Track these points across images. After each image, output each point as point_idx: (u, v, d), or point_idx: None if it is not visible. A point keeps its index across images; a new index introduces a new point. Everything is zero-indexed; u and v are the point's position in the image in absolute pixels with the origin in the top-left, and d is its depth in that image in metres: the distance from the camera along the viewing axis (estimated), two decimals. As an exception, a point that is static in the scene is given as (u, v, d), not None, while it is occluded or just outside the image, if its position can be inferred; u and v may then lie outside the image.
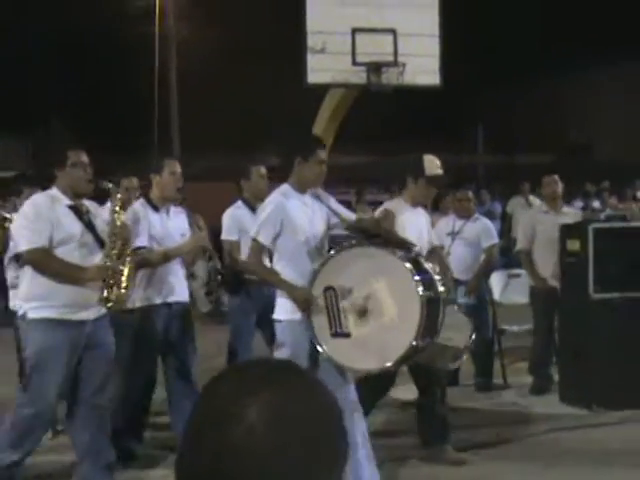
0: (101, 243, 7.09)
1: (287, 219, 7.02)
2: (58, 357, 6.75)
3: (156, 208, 7.92)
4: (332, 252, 7.24)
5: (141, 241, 7.75)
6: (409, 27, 13.83)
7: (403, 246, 7.48)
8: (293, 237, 7.07)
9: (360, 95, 14.76)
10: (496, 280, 11.11)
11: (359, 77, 13.69)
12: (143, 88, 32.87)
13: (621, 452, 8.13)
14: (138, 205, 8.05)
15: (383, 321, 6.97)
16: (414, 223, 8.06)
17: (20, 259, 7.11)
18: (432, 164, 8.06)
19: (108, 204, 7.66)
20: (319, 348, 6.97)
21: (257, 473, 1.63)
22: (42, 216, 6.84)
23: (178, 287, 8.16)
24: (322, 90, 14.74)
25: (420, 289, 6.90)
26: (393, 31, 13.64)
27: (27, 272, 6.92)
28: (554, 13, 41.80)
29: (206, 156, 33.16)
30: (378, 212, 8.22)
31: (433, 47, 14.19)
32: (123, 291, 7.17)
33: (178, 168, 8.16)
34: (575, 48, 39.01)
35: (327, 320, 6.95)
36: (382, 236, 7.42)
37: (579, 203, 18.91)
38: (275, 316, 7.20)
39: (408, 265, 7.13)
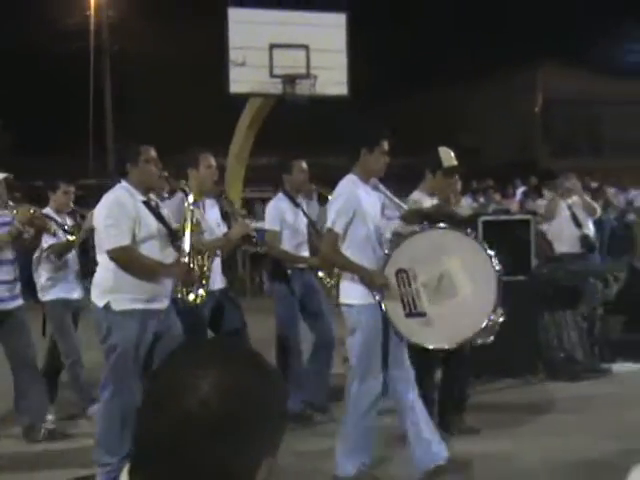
0: (173, 236, 6.90)
1: (359, 208, 6.76)
2: (142, 343, 6.63)
3: (195, 201, 7.46)
4: (402, 237, 7.12)
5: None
6: (320, 43, 14.04)
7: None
8: (363, 225, 6.79)
9: (277, 104, 14.91)
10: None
11: (276, 88, 13.87)
12: (81, 97, 32.79)
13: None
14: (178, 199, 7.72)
15: (458, 299, 6.83)
16: None
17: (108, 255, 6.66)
18: (448, 156, 7.91)
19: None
20: (394, 328, 6.76)
21: (210, 439, 1.67)
22: (126, 214, 6.63)
23: (218, 275, 7.94)
24: (243, 99, 14.87)
25: (496, 265, 6.87)
26: (306, 47, 13.84)
27: (109, 266, 6.64)
28: (447, 28, 42.31)
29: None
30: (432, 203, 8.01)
31: (341, 61, 14.41)
32: (204, 286, 7.16)
33: (213, 162, 7.91)
34: (466, 58, 39.48)
35: (401, 301, 6.79)
36: (444, 221, 7.29)
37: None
38: (346, 301, 6.91)
39: (482, 243, 7.11)
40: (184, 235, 6.86)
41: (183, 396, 1.67)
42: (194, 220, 7.04)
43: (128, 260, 6.56)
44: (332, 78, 14.23)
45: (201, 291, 7.08)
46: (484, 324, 6.73)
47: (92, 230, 7.61)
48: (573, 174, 12.70)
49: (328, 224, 6.78)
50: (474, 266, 6.89)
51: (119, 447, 6.55)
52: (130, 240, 6.52)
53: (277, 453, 1.76)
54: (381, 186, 7.11)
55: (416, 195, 7.97)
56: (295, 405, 8.05)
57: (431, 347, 6.94)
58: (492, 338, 7.17)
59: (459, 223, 7.70)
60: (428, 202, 7.70)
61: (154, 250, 6.66)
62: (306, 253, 8.59)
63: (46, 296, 8.60)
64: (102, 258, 6.67)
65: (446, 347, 7.02)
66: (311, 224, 8.86)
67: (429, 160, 7.98)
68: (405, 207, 7.43)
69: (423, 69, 41.02)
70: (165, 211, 7.04)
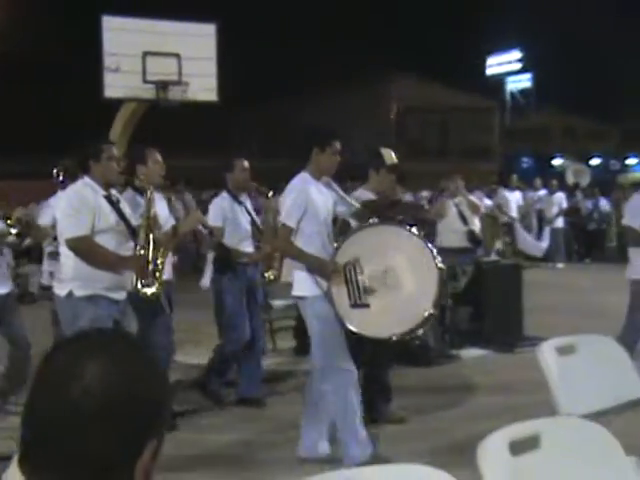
0: (133, 231, 6.83)
1: (310, 204, 6.73)
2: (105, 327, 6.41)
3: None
4: (351, 230, 7.15)
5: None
6: (191, 52, 14.05)
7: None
8: (314, 220, 6.76)
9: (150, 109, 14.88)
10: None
11: (149, 93, 13.84)
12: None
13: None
14: (130, 193, 7.62)
15: (401, 292, 6.80)
16: None
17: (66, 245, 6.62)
18: (389, 155, 7.90)
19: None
20: (339, 317, 6.68)
21: (93, 426, 1.65)
22: (87, 205, 6.56)
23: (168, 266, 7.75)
24: (117, 103, 14.81)
25: (438, 262, 6.82)
26: (177, 55, 13.86)
27: (69, 256, 6.56)
28: (316, 40, 42.69)
29: (16, 159, 32.43)
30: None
31: (211, 69, 14.48)
32: (159, 279, 6.93)
33: (160, 157, 7.80)
34: (331, 69, 39.89)
35: (347, 292, 6.72)
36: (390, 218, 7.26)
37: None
38: (299, 293, 6.85)
39: (424, 240, 7.06)
40: (141, 229, 6.79)
41: (68, 384, 1.67)
42: (152, 214, 6.96)
43: (86, 250, 6.50)
44: (202, 85, 14.26)
45: (156, 285, 6.89)
46: (425, 317, 6.73)
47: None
48: (457, 175, 12.97)
49: (281, 219, 6.78)
50: (418, 262, 6.90)
51: None
52: (89, 231, 6.47)
53: (162, 437, 1.76)
54: (333, 184, 7.13)
55: (359, 193, 7.96)
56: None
57: (371, 337, 6.91)
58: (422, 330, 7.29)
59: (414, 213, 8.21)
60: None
61: (110, 243, 6.61)
62: (250, 249, 8.55)
63: None
64: (63, 249, 6.61)
65: (386, 337, 6.91)
66: (253, 221, 8.78)
67: (371, 160, 7.97)
68: (356, 205, 7.37)
69: (293, 77, 41.30)
70: (127, 207, 6.97)
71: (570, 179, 24.93)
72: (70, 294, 6.52)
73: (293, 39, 42.52)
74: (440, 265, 6.83)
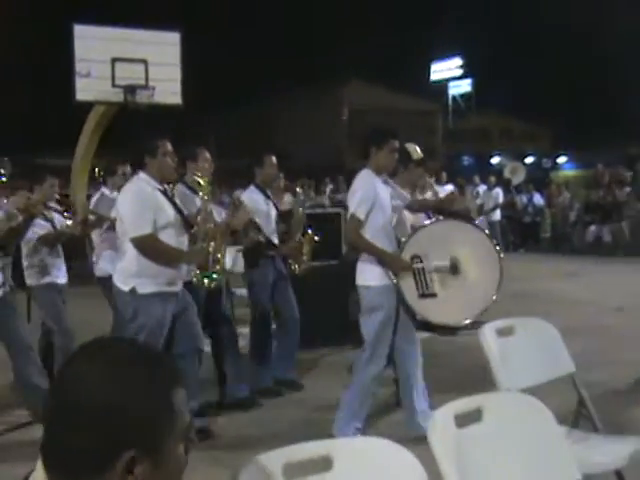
0: (188, 224, 6.67)
1: (377, 198, 6.63)
2: (165, 322, 6.42)
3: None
4: (419, 226, 7.01)
5: None
6: (157, 58, 14.08)
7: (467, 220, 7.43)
8: (380, 214, 6.65)
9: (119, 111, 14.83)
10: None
11: (118, 97, 13.83)
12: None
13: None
14: (183, 189, 7.42)
15: (467, 281, 6.81)
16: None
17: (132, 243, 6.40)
18: (414, 150, 7.70)
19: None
20: (409, 307, 6.63)
21: (61, 425, 1.64)
22: (148, 203, 6.35)
23: None
24: (88, 106, 14.75)
25: (499, 251, 6.95)
26: (145, 61, 13.88)
27: (133, 253, 6.35)
28: (272, 48, 42.71)
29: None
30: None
31: (176, 74, 14.48)
32: (219, 270, 6.82)
33: (209, 155, 7.67)
34: (285, 75, 39.91)
35: (414, 283, 6.66)
36: (447, 213, 7.19)
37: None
38: (365, 283, 6.70)
39: (487, 234, 7.20)
40: (199, 223, 6.65)
41: (68, 385, 1.66)
42: (208, 209, 6.78)
43: (150, 247, 6.34)
44: (168, 89, 14.28)
45: (215, 275, 6.78)
46: (491, 302, 6.80)
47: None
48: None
49: (351, 212, 6.63)
50: (481, 252, 6.93)
51: None
52: (152, 229, 6.29)
53: (149, 452, 1.67)
54: (389, 179, 7.06)
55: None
56: (266, 381, 8.14)
57: (440, 324, 6.85)
58: None
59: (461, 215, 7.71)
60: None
61: (171, 237, 6.45)
62: (276, 241, 8.37)
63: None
64: (126, 246, 6.42)
65: (452, 324, 6.93)
66: (279, 215, 8.63)
67: (400, 157, 7.36)
68: (409, 197, 7.37)
69: (251, 83, 41.27)
70: (179, 201, 6.81)
71: (507, 176, 25.11)
72: (133, 290, 6.36)
73: (252, 48, 42.53)
74: (501, 255, 6.94)
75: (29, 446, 6.19)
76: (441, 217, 7.22)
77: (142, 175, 6.50)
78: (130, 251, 6.37)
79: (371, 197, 6.57)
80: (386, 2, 47.22)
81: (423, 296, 6.67)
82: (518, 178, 25.23)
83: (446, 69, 49.33)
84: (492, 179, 23.19)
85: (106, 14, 15.68)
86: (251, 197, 8.27)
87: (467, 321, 6.76)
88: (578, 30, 39.68)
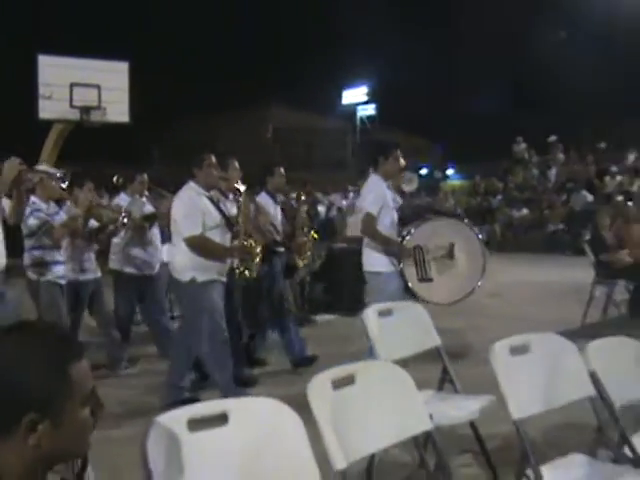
0: (230, 224, 6.75)
1: (385, 199, 6.89)
2: (220, 306, 6.53)
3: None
4: (418, 221, 7.37)
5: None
6: (108, 83, 14.00)
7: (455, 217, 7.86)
8: (387, 211, 6.93)
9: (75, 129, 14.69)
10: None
11: (74, 116, 13.73)
12: None
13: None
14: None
15: (457, 269, 7.24)
16: None
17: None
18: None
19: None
20: (410, 289, 7.01)
21: None
22: (198, 208, 6.45)
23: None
24: (49, 124, 14.60)
25: (483, 245, 7.47)
26: (98, 86, 13.80)
27: (187, 250, 6.43)
28: (206, 73, 42.55)
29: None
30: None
31: (124, 97, 14.40)
32: (257, 263, 7.03)
33: (237, 165, 7.76)
34: (218, 96, 39.74)
35: (415, 270, 7.05)
36: (435, 211, 7.66)
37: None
38: (374, 269, 6.93)
39: (473, 228, 7.64)
40: (238, 223, 6.77)
41: None
42: (246, 212, 7.02)
43: (200, 245, 6.41)
44: (117, 109, 14.20)
45: (254, 268, 6.99)
46: (475, 287, 7.32)
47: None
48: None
49: (367, 210, 6.85)
50: (469, 245, 7.37)
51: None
52: (201, 230, 6.38)
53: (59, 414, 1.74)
54: (390, 185, 7.20)
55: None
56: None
57: (436, 302, 7.16)
58: None
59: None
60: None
61: (217, 235, 6.53)
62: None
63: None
64: (180, 244, 6.46)
65: (446, 303, 7.30)
66: (285, 218, 8.69)
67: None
68: (400, 201, 7.65)
69: (190, 104, 40.99)
70: (222, 205, 6.90)
71: (404, 185, 25.31)
72: (193, 280, 6.42)
73: (190, 74, 42.28)
74: (485, 250, 7.49)
75: None
76: (432, 215, 7.77)
77: (191, 184, 6.61)
78: (185, 249, 6.45)
79: (381, 198, 6.87)
80: (304, 40, 47.29)
81: (422, 280, 7.08)
82: (412, 187, 25.43)
83: (355, 96, 49.69)
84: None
85: (66, 45, 15.43)
86: (263, 202, 8.35)
87: (455, 301, 7.33)
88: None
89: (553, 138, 28.61)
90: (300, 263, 8.84)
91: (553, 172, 27.50)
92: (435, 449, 3.44)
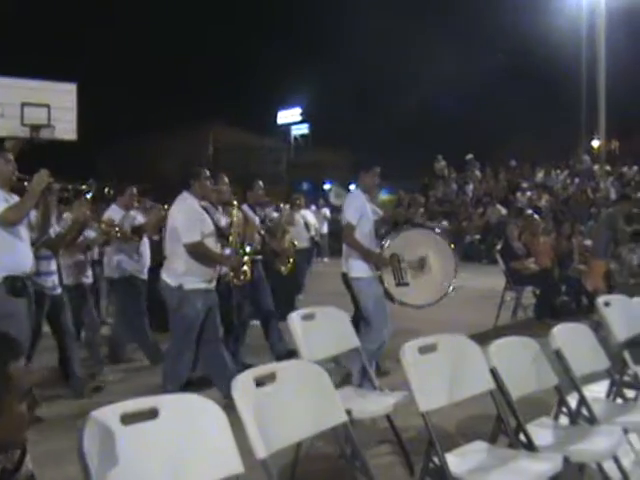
0: (223, 235, 6.75)
1: (364, 210, 6.97)
2: (201, 314, 6.44)
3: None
4: (393, 232, 7.42)
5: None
6: (57, 103, 13.87)
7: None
8: (366, 222, 7.00)
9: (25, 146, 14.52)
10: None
11: (25, 133, 13.58)
12: None
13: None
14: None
15: (431, 274, 7.31)
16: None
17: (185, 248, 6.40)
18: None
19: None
20: (387, 293, 7.10)
21: None
22: (196, 216, 6.43)
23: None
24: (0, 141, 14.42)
25: (454, 253, 7.60)
26: (47, 105, 13.67)
27: (182, 256, 6.36)
28: (151, 94, 42.30)
29: None
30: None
31: (72, 116, 14.28)
32: (247, 272, 7.04)
33: (227, 180, 7.69)
34: (163, 116, 39.56)
35: (393, 275, 7.11)
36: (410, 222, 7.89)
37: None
38: (357, 275, 7.03)
39: (444, 237, 7.78)
40: (232, 234, 6.83)
41: None
42: (238, 224, 7.00)
43: (199, 251, 6.35)
44: (65, 128, 14.08)
45: (245, 277, 7.02)
46: (447, 291, 7.41)
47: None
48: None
49: (347, 220, 6.93)
50: (441, 253, 7.43)
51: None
52: (200, 237, 6.34)
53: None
54: (369, 197, 7.27)
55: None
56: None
57: (411, 305, 7.34)
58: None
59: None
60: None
61: (211, 243, 6.49)
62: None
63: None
64: (178, 250, 6.39)
65: (422, 305, 7.38)
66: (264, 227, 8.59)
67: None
68: (381, 213, 7.65)
69: (136, 124, 40.76)
70: (215, 215, 6.92)
71: (332, 199, 25.52)
72: (180, 286, 6.37)
73: (136, 95, 42.01)
74: (455, 253, 7.65)
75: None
76: (407, 225, 7.83)
77: (186, 194, 6.59)
78: (180, 254, 6.40)
79: (359, 211, 6.95)
80: (242, 62, 47.42)
81: (399, 285, 7.17)
82: (340, 201, 25.67)
83: (290, 116, 50.01)
84: (321, 201, 23.62)
85: (18, 67, 15.28)
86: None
87: (426, 304, 7.40)
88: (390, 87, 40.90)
89: (470, 156, 29.12)
90: (283, 269, 8.87)
91: (470, 187, 27.97)
92: (349, 440, 3.52)
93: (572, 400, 4.43)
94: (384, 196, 40.40)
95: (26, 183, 5.73)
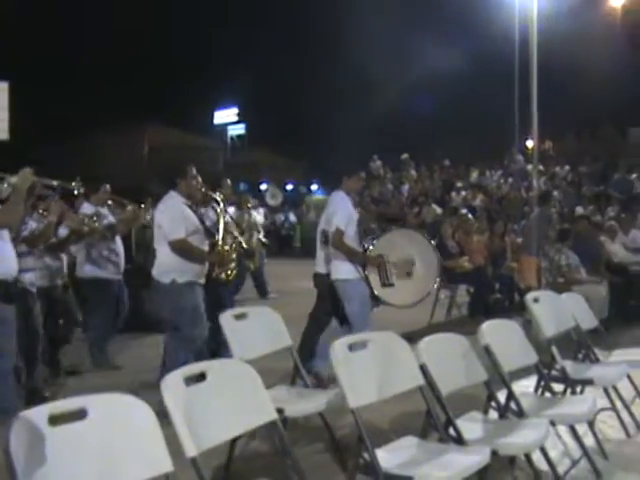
0: (209, 233, 6.71)
1: (351, 215, 7.03)
2: (201, 305, 6.46)
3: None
4: (380, 233, 7.67)
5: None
6: (-12, 103, 13.63)
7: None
8: (352, 225, 7.04)
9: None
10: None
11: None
12: None
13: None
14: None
15: (415, 275, 7.48)
16: None
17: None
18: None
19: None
20: (373, 293, 7.19)
21: None
22: (181, 214, 6.42)
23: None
24: None
25: (437, 252, 7.82)
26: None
27: (171, 253, 6.36)
28: (86, 98, 41.78)
29: None
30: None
31: (4, 115, 14.00)
32: (233, 269, 7.00)
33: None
34: (101, 117, 39.14)
35: (378, 276, 7.20)
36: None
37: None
38: (343, 277, 7.07)
39: (427, 238, 7.96)
40: (218, 231, 6.74)
41: None
42: (224, 221, 6.94)
43: (184, 248, 6.35)
44: (-3, 128, 13.81)
45: (229, 272, 6.95)
46: (430, 291, 7.82)
47: None
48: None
49: (336, 225, 6.97)
50: (424, 254, 7.63)
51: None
52: (184, 234, 6.34)
53: None
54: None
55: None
56: None
57: (397, 305, 7.57)
58: None
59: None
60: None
61: (197, 241, 6.49)
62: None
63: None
64: (164, 247, 6.40)
65: (408, 304, 7.65)
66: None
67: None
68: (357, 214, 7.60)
69: (72, 124, 40.21)
70: (201, 213, 6.91)
71: (268, 199, 25.56)
72: (173, 281, 6.36)
73: (73, 96, 41.44)
74: (438, 254, 7.85)
75: None
76: (393, 227, 8.17)
77: (173, 193, 6.58)
78: (167, 251, 6.41)
79: (348, 215, 7.05)
80: (178, 62, 47.12)
81: (384, 285, 7.30)
82: (276, 201, 25.77)
83: (226, 116, 49.91)
84: (257, 201, 23.60)
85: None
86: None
87: (414, 302, 7.66)
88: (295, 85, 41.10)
89: (405, 156, 29.39)
90: (252, 267, 8.86)
91: (406, 187, 28.22)
92: (279, 438, 3.55)
93: (502, 395, 4.55)
94: (319, 196, 40.68)
95: None
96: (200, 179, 7.66)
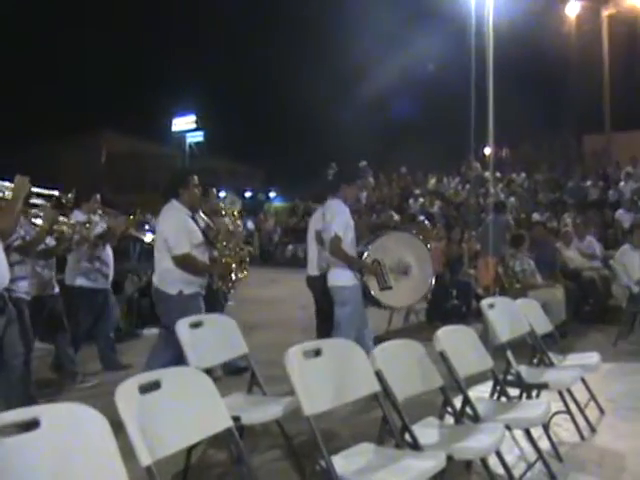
0: (211, 243, 6.72)
1: (348, 222, 7.01)
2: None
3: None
4: (373, 237, 7.65)
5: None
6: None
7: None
8: (349, 232, 7.01)
9: None
10: None
11: None
12: None
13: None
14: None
15: (411, 277, 7.50)
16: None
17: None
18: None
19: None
20: (373, 297, 7.27)
21: None
22: (185, 227, 6.39)
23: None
24: None
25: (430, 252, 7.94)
26: None
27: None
28: (44, 109, 41.37)
29: None
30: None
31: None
32: (234, 279, 7.01)
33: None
34: (60, 126, 38.76)
35: (376, 281, 7.26)
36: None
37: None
38: (341, 284, 7.05)
39: (421, 239, 7.98)
40: (218, 243, 6.81)
41: None
42: (225, 232, 7.01)
43: (187, 263, 6.35)
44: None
45: (230, 283, 7.01)
46: (424, 294, 7.96)
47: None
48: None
49: (334, 231, 6.94)
50: (420, 255, 7.67)
51: None
52: (189, 248, 6.32)
53: None
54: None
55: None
56: None
57: (397, 307, 8.02)
58: None
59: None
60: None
61: (200, 253, 6.48)
62: None
63: None
64: (168, 259, 6.37)
65: (406, 306, 8.21)
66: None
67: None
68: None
69: (30, 133, 39.89)
70: (203, 224, 6.86)
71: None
72: (180, 292, 6.36)
73: (25, 104, 41.02)
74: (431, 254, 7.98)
75: None
76: (386, 230, 8.22)
77: (175, 203, 6.52)
78: (172, 264, 6.40)
79: (345, 222, 7.03)
80: (135, 69, 46.86)
81: (383, 289, 7.37)
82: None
83: (184, 123, 49.74)
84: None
85: None
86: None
87: (407, 305, 8.09)
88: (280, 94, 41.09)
89: (363, 163, 29.51)
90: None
91: (364, 194, 28.34)
92: (235, 446, 3.56)
93: (458, 400, 4.60)
94: (278, 203, 40.70)
95: None
96: (215, 192, 7.84)
